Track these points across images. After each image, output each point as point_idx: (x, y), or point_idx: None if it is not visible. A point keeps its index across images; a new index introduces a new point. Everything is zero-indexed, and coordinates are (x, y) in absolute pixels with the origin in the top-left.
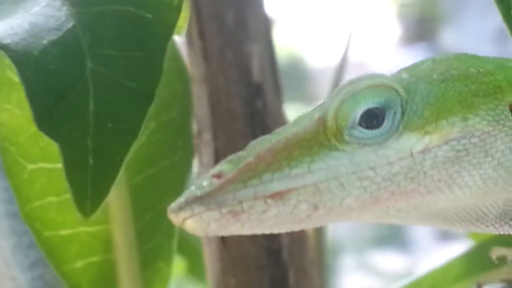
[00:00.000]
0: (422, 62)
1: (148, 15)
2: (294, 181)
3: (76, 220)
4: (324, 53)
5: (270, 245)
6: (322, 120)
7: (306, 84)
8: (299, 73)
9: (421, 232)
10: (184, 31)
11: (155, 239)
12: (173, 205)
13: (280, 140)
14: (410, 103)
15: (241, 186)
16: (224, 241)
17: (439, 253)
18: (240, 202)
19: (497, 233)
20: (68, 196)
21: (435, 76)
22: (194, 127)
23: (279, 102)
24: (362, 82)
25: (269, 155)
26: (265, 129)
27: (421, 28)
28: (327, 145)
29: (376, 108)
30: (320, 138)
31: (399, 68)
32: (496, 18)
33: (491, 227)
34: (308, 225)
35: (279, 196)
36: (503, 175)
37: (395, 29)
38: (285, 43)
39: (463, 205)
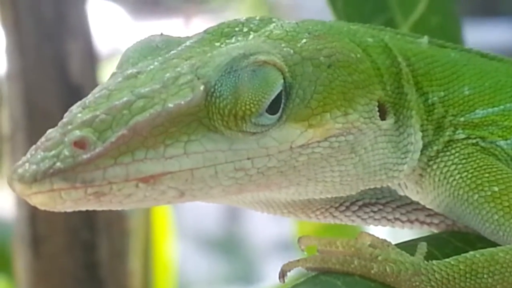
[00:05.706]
0: (294, 28)
1: None
2: (170, 164)
3: None
4: None
5: (88, 258)
6: (205, 94)
7: None
8: None
9: (273, 271)
10: None
11: None
12: (22, 171)
13: (160, 113)
14: (296, 89)
15: (111, 162)
16: (37, 252)
17: None
18: (110, 183)
19: (320, 222)
20: None
21: (321, 58)
22: (6, 127)
23: None
24: (256, 55)
25: (146, 129)
26: None
27: None
28: (206, 124)
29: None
30: (201, 115)
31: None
32: None
33: (314, 218)
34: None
35: (152, 180)
36: (360, 172)
37: None
38: None
39: (296, 197)
